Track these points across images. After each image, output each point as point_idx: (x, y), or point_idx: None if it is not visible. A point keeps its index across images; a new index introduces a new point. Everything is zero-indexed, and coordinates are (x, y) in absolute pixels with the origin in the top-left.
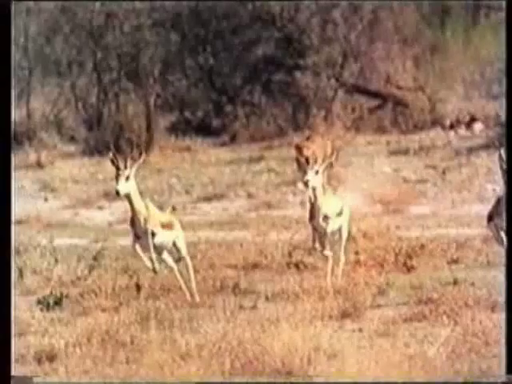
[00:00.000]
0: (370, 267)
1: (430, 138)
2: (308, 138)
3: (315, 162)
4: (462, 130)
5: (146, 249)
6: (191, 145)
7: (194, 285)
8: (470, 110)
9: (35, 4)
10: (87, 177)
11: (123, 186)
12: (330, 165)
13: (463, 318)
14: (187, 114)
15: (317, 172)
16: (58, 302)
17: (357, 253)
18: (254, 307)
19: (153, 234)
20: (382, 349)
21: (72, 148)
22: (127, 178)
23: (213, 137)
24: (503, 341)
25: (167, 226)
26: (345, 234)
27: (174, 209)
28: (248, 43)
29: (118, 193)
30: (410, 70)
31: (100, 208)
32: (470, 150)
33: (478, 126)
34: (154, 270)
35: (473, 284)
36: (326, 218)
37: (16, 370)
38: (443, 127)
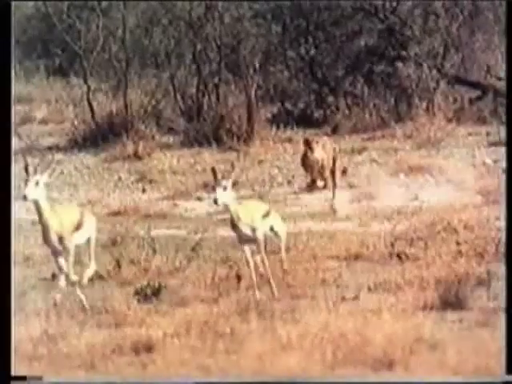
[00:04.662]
0: (470, 258)
1: None
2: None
3: (222, 177)
4: None
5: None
6: (292, 136)
7: (83, 298)
8: None
9: None
10: (186, 168)
11: (31, 191)
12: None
13: None
14: (288, 105)
15: (225, 188)
16: (155, 293)
17: (458, 243)
18: (356, 298)
19: (64, 243)
20: (482, 339)
21: (170, 139)
22: (37, 184)
23: (314, 128)
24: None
25: (79, 225)
26: (283, 235)
27: None
28: (350, 34)
29: (25, 197)
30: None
31: (199, 199)
32: None
33: None
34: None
35: None
36: (251, 228)
37: (112, 361)
38: None
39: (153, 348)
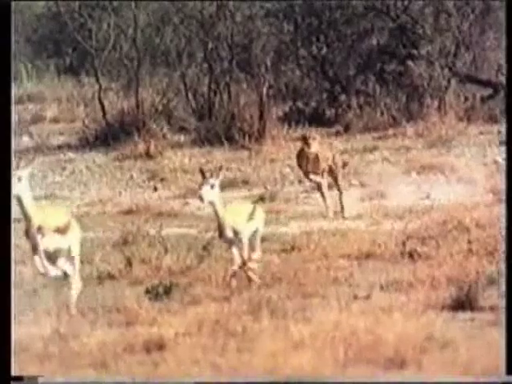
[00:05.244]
0: (481, 256)
1: None
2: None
3: (211, 175)
4: None
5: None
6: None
7: (73, 300)
8: None
9: None
10: (197, 166)
11: (14, 187)
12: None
13: None
14: (300, 103)
15: (212, 186)
16: (167, 292)
17: (469, 242)
18: (368, 297)
19: (42, 235)
20: (493, 338)
21: (182, 138)
22: (19, 179)
23: (326, 126)
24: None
25: (62, 230)
26: (258, 235)
27: None
28: (361, 33)
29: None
30: None
31: None
32: None
33: None
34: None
35: None
36: (233, 230)
37: (123, 359)
38: None
39: (164, 347)
